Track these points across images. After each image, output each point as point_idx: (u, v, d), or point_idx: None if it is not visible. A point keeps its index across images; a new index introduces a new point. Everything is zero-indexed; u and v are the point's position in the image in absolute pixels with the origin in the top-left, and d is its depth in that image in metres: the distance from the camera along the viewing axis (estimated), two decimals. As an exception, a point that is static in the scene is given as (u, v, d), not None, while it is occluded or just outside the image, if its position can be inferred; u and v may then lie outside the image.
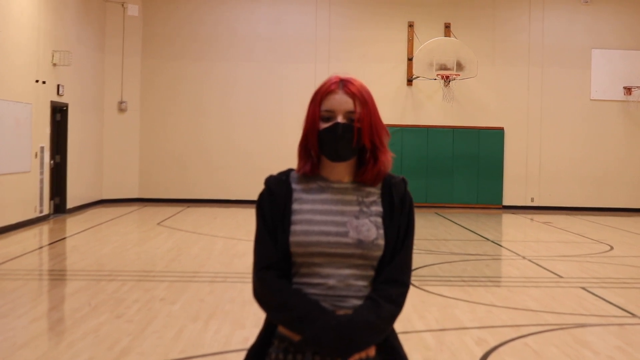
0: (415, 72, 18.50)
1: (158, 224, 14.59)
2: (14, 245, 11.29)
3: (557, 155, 19.67)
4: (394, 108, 19.44)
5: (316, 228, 2.22)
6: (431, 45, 18.16)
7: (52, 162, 15.29)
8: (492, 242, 13.15)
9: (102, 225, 14.32)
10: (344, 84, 2.27)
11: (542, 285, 8.91)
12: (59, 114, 15.68)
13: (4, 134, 12.69)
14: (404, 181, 2.35)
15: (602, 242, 13.11)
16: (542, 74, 19.66)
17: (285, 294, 2.20)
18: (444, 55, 18.06)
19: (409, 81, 19.40)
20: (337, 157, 2.24)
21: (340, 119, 2.23)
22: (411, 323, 6.75)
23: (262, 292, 2.24)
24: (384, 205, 2.29)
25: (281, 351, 2.23)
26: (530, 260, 10.80)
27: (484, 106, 19.59)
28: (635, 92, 19.42)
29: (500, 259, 11.43)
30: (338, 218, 2.24)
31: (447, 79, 18.19)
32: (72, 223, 14.55)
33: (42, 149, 14.52)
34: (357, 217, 2.25)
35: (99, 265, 9.64)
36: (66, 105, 15.81)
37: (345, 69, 18.28)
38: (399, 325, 6.84)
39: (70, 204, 16.06)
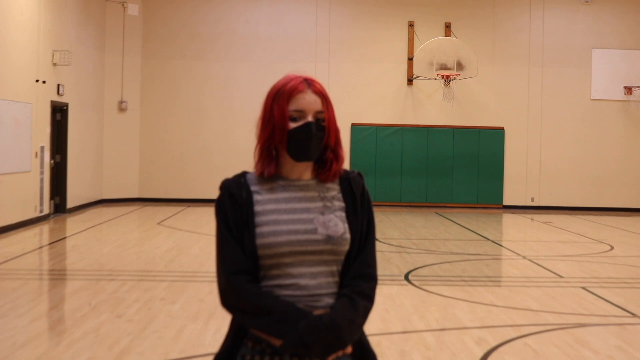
0: (415, 72, 18.49)
1: (158, 223, 14.59)
2: (14, 245, 11.29)
3: (557, 155, 19.67)
4: (394, 108, 19.44)
5: (284, 227, 2.19)
6: (431, 45, 18.16)
7: (52, 161, 15.29)
8: (492, 242, 13.14)
9: (102, 225, 14.32)
10: (310, 83, 2.25)
11: (542, 285, 8.91)
12: (59, 114, 15.68)
13: (4, 134, 12.69)
14: (360, 175, 2.35)
15: (602, 242, 13.11)
16: (542, 74, 19.66)
17: (260, 298, 2.15)
18: (444, 55, 18.06)
19: (409, 81, 19.40)
20: (307, 157, 2.23)
21: (310, 118, 2.22)
22: (411, 323, 6.75)
23: (235, 299, 2.17)
24: (345, 200, 2.29)
25: (257, 353, 2.19)
26: (530, 260, 10.80)
27: (484, 106, 19.59)
28: (635, 92, 19.42)
29: (500, 259, 11.43)
30: (304, 216, 2.22)
31: (447, 79, 18.19)
32: (72, 223, 14.55)
33: (42, 148, 14.51)
34: (322, 213, 2.23)
35: (99, 265, 9.64)
36: (66, 105, 15.81)
37: (345, 69, 18.36)
38: (399, 325, 6.86)
39: (70, 203, 16.06)
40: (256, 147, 2.28)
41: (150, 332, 6.25)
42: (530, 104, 19.68)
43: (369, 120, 19.28)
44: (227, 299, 2.20)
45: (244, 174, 2.30)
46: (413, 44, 19.27)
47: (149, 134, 19.16)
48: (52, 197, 15.36)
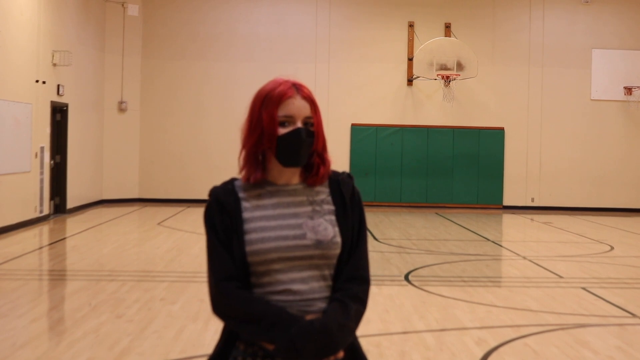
0: (415, 72, 18.50)
1: (158, 224, 14.59)
2: (14, 245, 11.29)
3: (557, 155, 19.67)
4: (394, 108, 19.45)
5: (272, 234, 2.18)
6: (431, 45, 18.16)
7: (52, 162, 15.29)
8: (492, 242, 13.14)
9: (102, 225, 14.32)
10: (298, 88, 2.24)
11: (542, 286, 8.91)
12: (59, 114, 15.68)
13: (4, 134, 12.69)
14: (350, 177, 2.33)
15: (602, 242, 13.11)
16: (542, 74, 19.66)
17: (251, 304, 2.14)
18: (444, 55, 18.06)
19: (409, 81, 19.40)
20: (296, 162, 2.22)
21: (299, 124, 2.21)
22: (411, 323, 6.75)
23: (226, 305, 2.16)
24: (335, 202, 2.27)
25: (249, 355, 2.18)
26: (530, 261, 10.80)
27: (484, 106, 19.59)
28: (635, 92, 19.42)
29: (500, 259, 11.43)
30: (293, 221, 2.21)
31: (447, 79, 18.19)
32: (72, 223, 14.55)
33: (42, 149, 14.51)
34: (311, 218, 2.22)
35: (99, 265, 9.64)
36: (66, 105, 15.81)
37: (345, 69, 18.30)
38: (399, 326, 6.85)
39: (70, 204, 16.06)
40: (241, 152, 2.27)
41: (151, 333, 6.25)
42: (530, 104, 19.68)
43: (369, 120, 19.28)
44: (218, 306, 2.19)
45: (232, 181, 2.29)
46: (413, 44, 19.27)
47: (149, 134, 19.16)
48: (52, 198, 15.36)
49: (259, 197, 2.25)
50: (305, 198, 2.26)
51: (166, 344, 5.93)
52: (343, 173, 2.34)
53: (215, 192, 2.26)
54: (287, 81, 2.26)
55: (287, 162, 2.22)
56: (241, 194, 2.25)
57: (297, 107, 2.22)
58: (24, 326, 6.47)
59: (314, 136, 2.23)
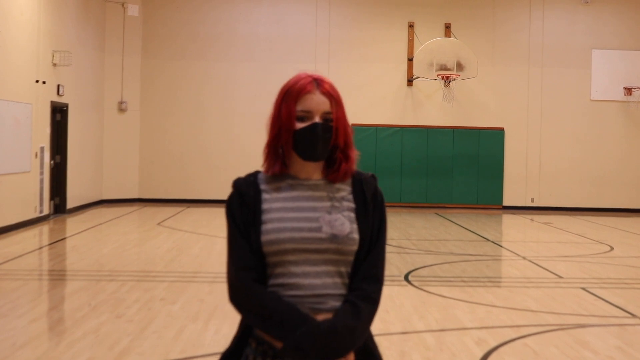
0: (415, 73, 18.50)
1: (158, 224, 14.59)
2: (14, 245, 11.29)
3: (557, 156, 19.67)
4: (394, 108, 19.45)
5: (288, 225, 2.20)
6: (431, 46, 18.17)
7: (52, 162, 15.29)
8: (492, 242, 13.14)
9: (102, 225, 14.32)
10: (318, 83, 2.25)
11: (542, 286, 8.91)
12: (59, 114, 15.68)
13: (4, 134, 12.69)
14: (374, 177, 2.35)
15: (602, 243, 13.11)
16: (542, 74, 19.67)
17: (263, 299, 2.16)
18: (444, 56, 18.07)
19: (409, 81, 19.40)
20: (314, 157, 2.24)
21: (317, 119, 2.22)
22: (411, 323, 6.75)
23: (241, 296, 2.20)
24: (356, 201, 2.28)
25: (259, 354, 2.20)
26: (530, 261, 10.80)
27: (484, 106, 19.59)
28: (635, 92, 19.42)
29: (500, 260, 11.43)
30: (310, 214, 2.23)
31: (447, 79, 18.20)
32: (72, 223, 14.55)
33: (42, 149, 14.51)
34: (329, 213, 2.24)
35: (99, 265, 9.64)
36: (66, 105, 15.81)
37: (345, 69, 18.27)
38: (399, 326, 6.85)
39: (70, 204, 16.06)
40: (266, 145, 2.30)
41: (150, 333, 6.25)
42: (530, 105, 19.68)
43: (369, 120, 19.28)
44: (235, 295, 2.22)
45: (255, 173, 2.33)
46: (413, 44, 19.27)
47: (149, 134, 19.16)
48: (52, 198, 15.36)
49: (279, 189, 2.27)
50: (325, 194, 2.27)
51: (166, 344, 5.93)
52: (367, 173, 2.36)
53: (237, 183, 2.30)
54: (308, 76, 2.27)
55: (305, 156, 2.24)
56: (262, 186, 2.28)
57: (315, 103, 2.23)
58: (24, 326, 6.47)
59: (332, 131, 2.23)
